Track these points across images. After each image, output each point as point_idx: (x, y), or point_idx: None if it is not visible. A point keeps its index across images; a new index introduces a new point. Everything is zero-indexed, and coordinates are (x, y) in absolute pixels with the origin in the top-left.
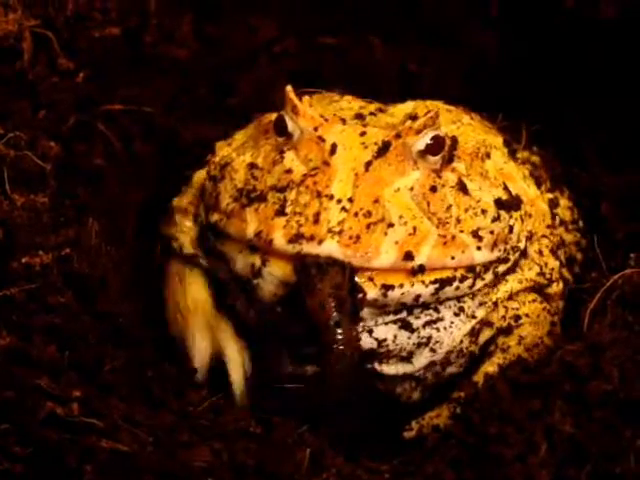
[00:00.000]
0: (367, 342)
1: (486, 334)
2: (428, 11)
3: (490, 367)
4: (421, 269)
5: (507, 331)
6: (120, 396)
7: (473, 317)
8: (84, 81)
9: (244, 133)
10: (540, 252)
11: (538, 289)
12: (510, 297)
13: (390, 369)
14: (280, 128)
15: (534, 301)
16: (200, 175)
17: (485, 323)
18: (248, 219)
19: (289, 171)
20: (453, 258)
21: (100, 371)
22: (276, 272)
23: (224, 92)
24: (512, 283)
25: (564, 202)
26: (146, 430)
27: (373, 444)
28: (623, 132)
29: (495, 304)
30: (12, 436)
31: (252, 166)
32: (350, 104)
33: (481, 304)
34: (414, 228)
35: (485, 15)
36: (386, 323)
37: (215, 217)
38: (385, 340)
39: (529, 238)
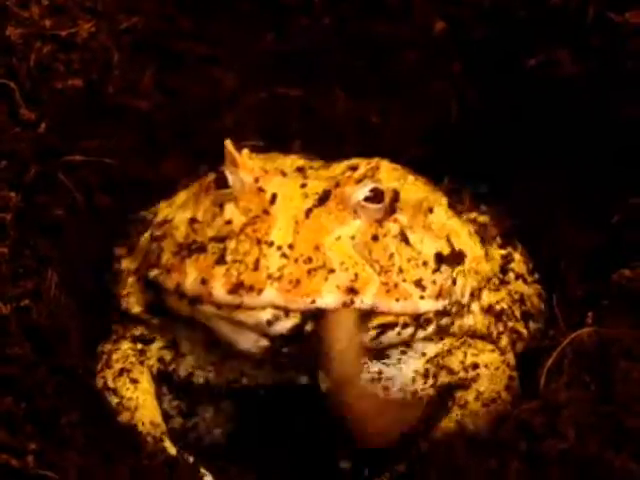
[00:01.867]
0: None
1: (444, 379)
2: (391, 66)
3: (449, 423)
4: (369, 312)
5: (465, 385)
6: (76, 449)
7: (422, 354)
8: (46, 132)
9: (186, 193)
10: (482, 309)
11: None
12: (468, 343)
13: None
14: (221, 182)
15: (493, 352)
16: (146, 236)
17: (442, 367)
18: (188, 270)
19: (229, 222)
20: (398, 300)
21: (56, 424)
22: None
23: (186, 144)
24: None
25: (518, 256)
26: None
27: None
28: (586, 188)
29: (449, 351)
30: None
31: (192, 221)
32: (293, 161)
33: (429, 341)
34: (356, 274)
35: (448, 71)
36: None
37: (154, 272)
38: None
39: (473, 295)
